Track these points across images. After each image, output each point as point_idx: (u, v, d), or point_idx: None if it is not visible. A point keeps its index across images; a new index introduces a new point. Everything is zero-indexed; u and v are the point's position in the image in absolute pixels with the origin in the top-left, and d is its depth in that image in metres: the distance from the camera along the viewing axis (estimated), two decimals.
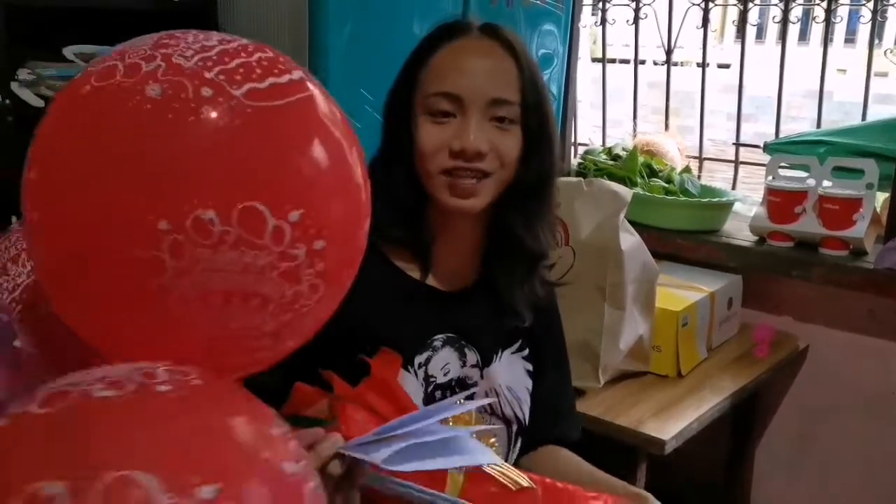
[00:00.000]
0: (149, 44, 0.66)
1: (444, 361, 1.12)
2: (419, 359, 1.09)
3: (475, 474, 0.96)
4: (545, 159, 1.08)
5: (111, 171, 0.62)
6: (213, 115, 0.62)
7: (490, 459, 0.91)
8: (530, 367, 1.20)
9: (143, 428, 0.56)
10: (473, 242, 1.14)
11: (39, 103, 1.46)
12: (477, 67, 1.03)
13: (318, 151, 0.68)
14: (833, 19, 2.28)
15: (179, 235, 0.61)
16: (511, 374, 1.18)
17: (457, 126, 1.02)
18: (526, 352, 1.20)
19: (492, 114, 1.03)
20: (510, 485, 0.97)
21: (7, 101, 1.41)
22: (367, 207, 0.76)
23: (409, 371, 1.08)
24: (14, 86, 1.44)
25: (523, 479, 0.98)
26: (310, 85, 0.70)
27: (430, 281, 1.12)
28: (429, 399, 1.10)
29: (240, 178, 0.63)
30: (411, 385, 1.08)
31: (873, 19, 2.20)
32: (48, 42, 1.55)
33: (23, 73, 1.48)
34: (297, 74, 0.69)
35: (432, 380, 1.10)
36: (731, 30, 5.30)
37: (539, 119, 1.06)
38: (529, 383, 1.20)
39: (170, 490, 0.52)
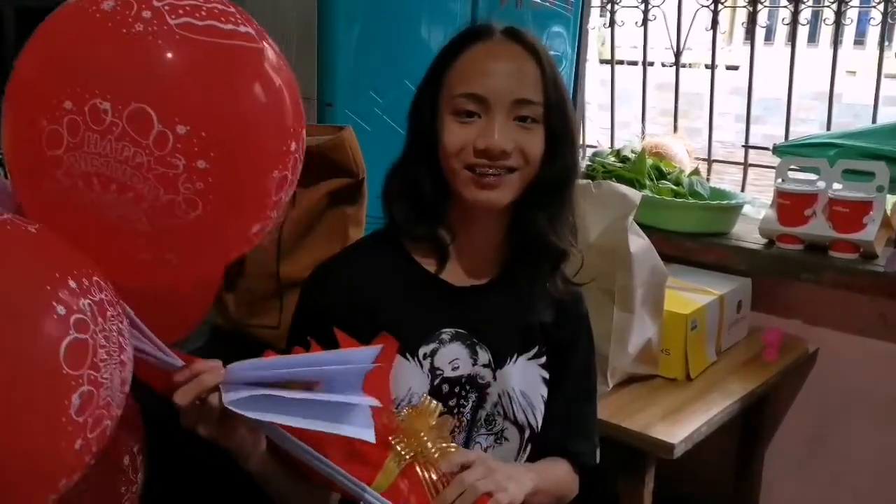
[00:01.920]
0: None
1: (454, 356, 1.12)
2: (424, 349, 1.11)
3: (409, 469, 0.98)
4: (567, 159, 1.11)
5: (49, 55, 0.76)
6: (141, 31, 0.73)
7: (360, 436, 0.90)
8: (546, 375, 1.19)
9: None
10: (494, 240, 1.15)
11: None
12: (501, 69, 1.06)
13: (232, 86, 0.76)
14: (843, 21, 2.27)
15: (77, 116, 0.72)
16: (526, 379, 1.17)
17: (482, 126, 1.05)
18: (543, 359, 1.19)
19: (515, 113, 1.06)
20: (429, 492, 0.99)
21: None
22: (284, 166, 0.82)
23: (409, 359, 1.09)
24: None
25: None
26: (256, 40, 0.79)
27: (445, 275, 1.14)
28: (435, 391, 1.11)
29: (140, 82, 0.72)
30: (413, 374, 1.09)
31: (883, 21, 2.19)
32: None
33: None
34: (244, 29, 0.78)
35: (439, 372, 1.11)
36: (739, 32, 5.27)
37: (561, 119, 1.09)
38: (545, 391, 1.19)
39: None
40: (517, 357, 1.17)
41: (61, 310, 0.69)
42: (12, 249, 0.72)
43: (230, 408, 0.84)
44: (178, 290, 0.94)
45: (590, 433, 1.27)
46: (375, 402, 0.92)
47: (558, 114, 1.08)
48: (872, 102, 2.22)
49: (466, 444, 1.14)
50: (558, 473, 1.20)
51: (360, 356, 0.93)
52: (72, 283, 0.71)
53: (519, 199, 1.10)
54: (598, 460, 1.26)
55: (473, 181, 1.06)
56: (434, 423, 1.05)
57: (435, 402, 1.07)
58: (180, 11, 0.74)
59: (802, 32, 2.34)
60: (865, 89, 2.43)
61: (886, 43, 2.33)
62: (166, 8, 0.74)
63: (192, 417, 0.88)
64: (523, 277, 1.16)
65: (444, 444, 1.03)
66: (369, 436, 0.90)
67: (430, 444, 1.01)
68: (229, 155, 0.76)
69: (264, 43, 0.80)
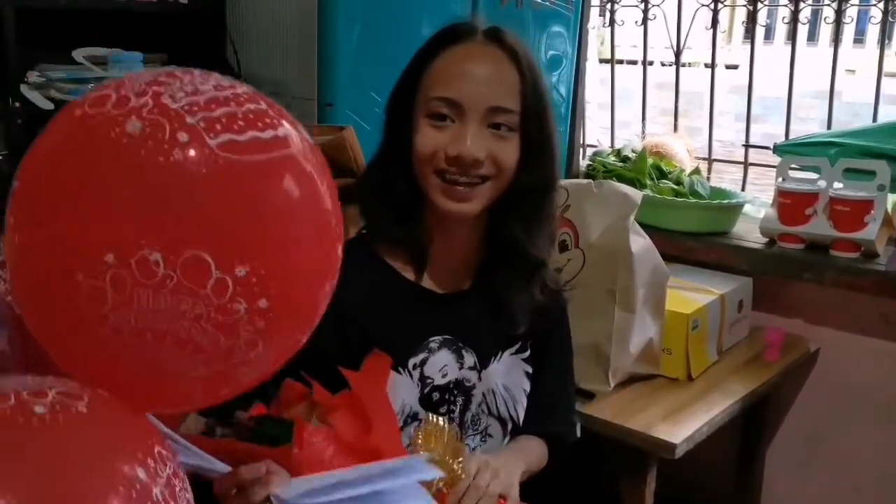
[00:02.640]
0: (146, 79, 0.68)
1: (442, 363, 1.12)
2: (414, 360, 1.10)
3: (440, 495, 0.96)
4: (545, 167, 1.09)
5: (76, 197, 0.64)
6: (181, 160, 0.63)
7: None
8: (529, 370, 1.20)
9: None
10: (470, 245, 1.14)
11: (49, 105, 1.46)
12: (478, 74, 1.04)
13: (281, 211, 0.68)
14: (843, 19, 2.26)
15: (123, 271, 0.62)
16: (509, 374, 1.18)
17: (455, 131, 1.03)
18: (527, 353, 1.20)
19: (490, 121, 1.03)
20: None
21: (17, 104, 1.40)
22: (333, 273, 0.76)
23: (401, 373, 1.09)
24: (24, 88, 1.44)
25: None
26: (294, 143, 0.70)
27: (426, 282, 1.13)
28: (425, 400, 1.10)
29: (191, 226, 0.63)
30: (405, 387, 1.09)
31: (884, 20, 2.18)
32: (58, 44, 1.55)
33: (32, 76, 1.48)
34: (282, 131, 0.69)
35: (429, 381, 1.11)
36: (739, 30, 5.27)
37: (539, 127, 1.06)
38: (527, 385, 1.21)
39: None
40: (501, 354, 1.17)
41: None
42: (68, 444, 0.62)
43: None
44: None
45: (569, 414, 1.30)
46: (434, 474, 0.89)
47: (536, 122, 1.06)
48: (872, 101, 2.22)
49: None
50: (535, 450, 1.23)
51: (408, 467, 0.89)
52: (140, 473, 0.63)
53: (494, 206, 1.08)
54: (578, 434, 1.29)
55: (443, 190, 1.04)
56: (447, 440, 1.05)
57: (442, 419, 1.07)
58: (218, 127, 0.65)
59: (802, 31, 2.33)
60: (865, 88, 2.42)
61: (886, 41, 2.32)
62: (202, 125, 0.64)
63: None
64: (500, 286, 1.14)
65: (461, 460, 1.03)
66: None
67: (455, 467, 1.01)
68: (288, 286, 0.69)
69: (298, 139, 0.71)
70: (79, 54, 1.47)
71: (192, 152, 0.63)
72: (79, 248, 0.63)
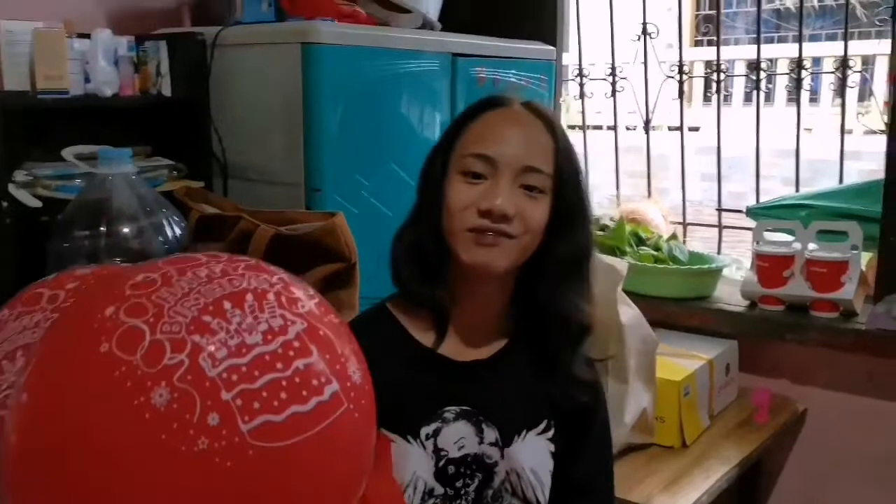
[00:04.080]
0: (193, 310, 0.58)
1: (459, 435, 1.10)
2: (426, 430, 1.08)
3: None
4: (581, 232, 1.10)
5: (79, 460, 0.56)
6: (206, 450, 0.55)
7: None
8: (553, 449, 1.17)
9: None
10: (496, 311, 1.13)
11: (36, 203, 1.46)
12: (514, 134, 1.07)
13: (315, 491, 0.61)
14: (801, 86, 2.35)
15: None
16: (535, 455, 1.15)
17: (487, 187, 1.05)
18: (551, 433, 1.16)
19: (522, 181, 1.05)
20: None
21: (4, 203, 1.40)
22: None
23: (411, 442, 1.07)
24: (11, 187, 1.43)
25: None
26: (346, 396, 0.63)
27: (445, 349, 1.12)
28: (440, 474, 1.09)
29: None
30: (417, 457, 1.07)
31: (842, 85, 2.27)
32: (44, 142, 1.56)
33: (19, 175, 1.48)
34: (330, 388, 0.62)
35: (443, 454, 1.09)
36: (698, 94, 5.46)
37: (573, 192, 1.08)
38: (552, 465, 1.17)
39: None
40: (526, 433, 1.14)
41: None
42: None
43: None
44: None
45: (609, 496, 1.25)
46: None
47: (570, 187, 1.08)
48: (830, 157, 2.29)
49: None
50: None
51: None
52: None
53: (522, 272, 1.09)
54: None
55: (473, 240, 1.05)
56: None
57: None
58: (256, 406, 0.57)
59: (781, 93, 2.41)
60: (823, 145, 2.51)
61: (838, 100, 2.42)
62: (238, 403, 0.57)
63: None
64: (538, 354, 1.13)
65: None
66: None
67: None
68: None
69: (347, 388, 0.64)
70: (68, 153, 1.48)
71: (219, 442, 0.55)
72: None
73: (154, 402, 0.55)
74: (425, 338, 1.12)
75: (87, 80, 1.61)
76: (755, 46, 2.36)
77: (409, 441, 1.07)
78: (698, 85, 5.22)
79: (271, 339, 0.61)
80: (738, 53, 4.77)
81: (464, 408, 1.10)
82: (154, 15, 2.01)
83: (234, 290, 0.62)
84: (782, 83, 2.46)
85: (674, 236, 2.32)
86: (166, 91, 1.72)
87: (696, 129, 5.10)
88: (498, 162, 1.05)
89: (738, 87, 5.21)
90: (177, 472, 0.55)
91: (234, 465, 0.56)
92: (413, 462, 1.08)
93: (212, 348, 0.58)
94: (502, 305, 1.13)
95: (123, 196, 1.40)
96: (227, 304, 0.61)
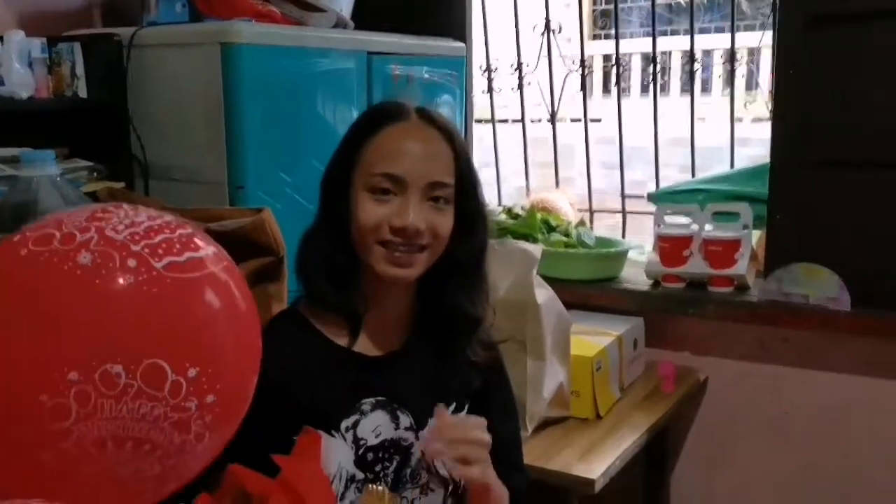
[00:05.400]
0: (84, 216, 0.76)
1: (375, 424, 1.17)
2: (346, 423, 1.15)
3: None
4: (480, 233, 1.19)
5: (35, 327, 0.70)
6: (135, 283, 0.72)
7: None
8: None
9: None
10: (404, 310, 1.22)
11: None
12: (418, 151, 1.13)
13: (219, 318, 0.78)
14: (694, 77, 2.51)
15: (87, 385, 0.69)
16: None
17: (397, 205, 1.11)
18: (463, 412, 1.24)
19: (429, 195, 1.13)
20: None
21: None
22: (257, 366, 0.86)
23: (334, 436, 1.14)
24: None
25: None
26: (220, 257, 0.82)
27: (358, 346, 1.19)
28: (360, 461, 1.15)
29: (149, 338, 0.71)
30: (340, 449, 1.14)
31: (731, 74, 2.44)
32: None
33: None
34: (210, 250, 0.81)
35: (362, 442, 1.16)
36: (598, 87, 5.66)
37: (473, 198, 1.17)
38: None
39: None
40: None
41: None
42: None
43: None
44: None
45: (520, 462, 1.34)
46: None
47: (470, 193, 1.16)
48: (723, 145, 2.46)
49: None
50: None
51: None
52: None
53: (428, 272, 1.16)
54: (528, 484, 1.33)
55: (386, 258, 1.12)
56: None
57: (382, 485, 1.13)
58: (160, 251, 0.74)
59: (676, 83, 2.57)
60: (715, 133, 2.67)
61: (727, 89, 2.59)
62: (146, 251, 0.73)
63: None
64: (439, 344, 1.22)
65: None
66: None
67: None
68: (229, 380, 0.78)
69: (219, 253, 0.83)
70: None
71: (141, 276, 0.72)
72: (41, 371, 0.69)
73: (81, 262, 0.71)
74: (339, 338, 1.18)
75: (0, 82, 1.61)
76: (650, 39, 2.51)
77: (332, 434, 1.13)
78: (598, 77, 5.42)
79: (154, 219, 0.79)
80: (634, 47, 4.99)
81: (378, 398, 1.17)
82: (64, 16, 2.00)
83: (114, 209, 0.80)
84: (676, 74, 2.62)
85: (581, 223, 2.45)
86: (82, 93, 1.73)
87: (598, 120, 5.30)
88: (406, 179, 1.11)
89: (636, 78, 5.44)
90: (119, 304, 0.71)
91: (159, 290, 0.73)
92: (336, 454, 1.13)
93: (112, 224, 0.75)
94: (409, 304, 1.21)
95: (49, 198, 1.40)
96: (111, 207, 0.78)
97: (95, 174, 1.74)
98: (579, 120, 2.73)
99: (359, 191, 1.13)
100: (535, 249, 1.73)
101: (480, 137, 2.91)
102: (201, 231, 0.83)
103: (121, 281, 0.71)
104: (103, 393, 0.69)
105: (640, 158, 2.86)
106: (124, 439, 0.71)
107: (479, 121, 2.91)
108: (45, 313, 0.71)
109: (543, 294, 1.72)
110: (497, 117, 3.00)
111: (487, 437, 1.11)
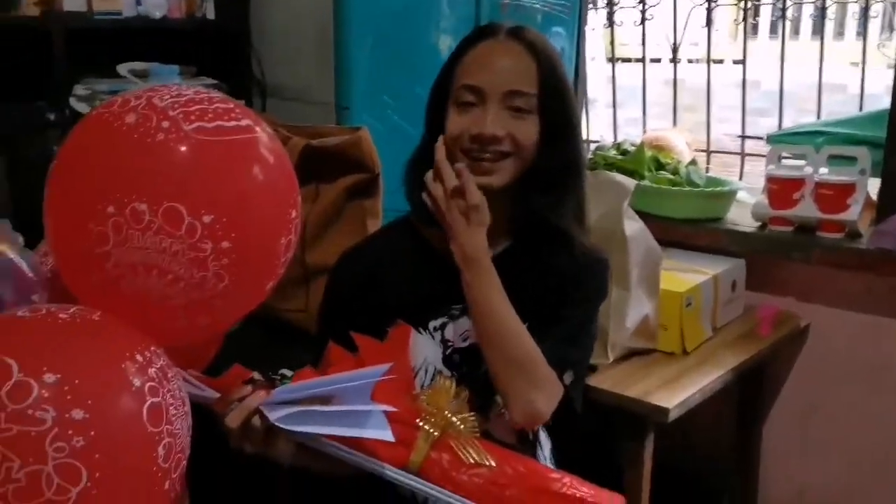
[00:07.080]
0: (146, 89, 0.92)
1: (463, 328, 1.24)
2: (434, 323, 1.24)
3: (440, 443, 1.09)
4: (568, 145, 1.22)
5: (90, 168, 0.87)
6: (163, 139, 0.85)
7: (380, 437, 1.01)
8: None
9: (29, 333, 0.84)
10: (500, 220, 1.23)
11: None
12: (498, 64, 1.19)
13: (239, 177, 0.90)
14: (832, 16, 2.39)
15: (120, 218, 0.84)
16: None
17: (477, 114, 1.18)
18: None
19: (508, 103, 1.18)
20: (465, 457, 1.09)
21: (67, 113, 1.57)
22: (286, 228, 0.96)
23: (421, 333, 1.23)
24: (72, 100, 1.60)
25: (482, 456, 1.10)
26: (255, 129, 0.92)
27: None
28: (447, 360, 1.24)
29: (169, 185, 0.85)
30: (427, 345, 1.23)
31: (864, 15, 2.30)
32: (102, 60, 1.72)
33: (79, 89, 1.64)
34: (244, 122, 0.91)
35: (450, 344, 1.24)
36: (730, 26, 5.38)
37: (559, 109, 1.20)
38: None
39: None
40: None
41: (137, 381, 0.83)
42: (88, 337, 0.85)
43: (277, 424, 0.96)
44: (206, 341, 1.09)
45: (560, 351, 1.26)
46: (390, 408, 1.03)
47: (555, 104, 1.19)
48: (878, 92, 2.34)
49: (483, 407, 1.23)
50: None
51: (370, 374, 1.02)
52: (139, 358, 0.85)
53: (520, 183, 1.21)
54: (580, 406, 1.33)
55: (470, 166, 1.17)
56: (452, 397, 1.17)
57: (449, 379, 1.19)
58: (192, 118, 0.87)
59: (807, 25, 2.45)
60: (871, 79, 2.53)
61: (888, 34, 2.45)
62: (180, 116, 0.87)
63: (239, 438, 1.00)
64: (527, 255, 1.26)
65: (464, 415, 1.15)
66: (388, 436, 1.01)
67: (454, 419, 1.13)
68: (246, 232, 0.89)
69: (259, 129, 0.93)
70: (122, 69, 1.63)
71: (171, 134, 0.86)
72: (88, 204, 0.85)
73: (127, 121, 0.87)
74: (441, 245, 1.24)
75: (138, 2, 1.76)
76: None
77: (420, 332, 1.23)
78: (728, 17, 5.15)
79: (198, 94, 0.91)
80: None
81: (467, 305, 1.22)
82: None
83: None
84: (807, 19, 2.48)
85: (693, 162, 2.40)
86: (210, 14, 1.86)
87: (742, 61, 5.07)
88: (484, 90, 1.17)
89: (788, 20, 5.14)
90: (148, 155, 0.86)
91: (188, 148, 0.86)
92: (423, 349, 1.23)
93: (160, 95, 0.89)
94: (503, 213, 1.24)
95: None
96: (171, 86, 0.93)
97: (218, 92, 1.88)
98: (718, 62, 2.64)
99: (450, 106, 1.20)
100: (628, 182, 1.74)
101: (611, 77, 2.87)
102: (244, 108, 0.94)
103: (153, 137, 0.85)
104: (132, 226, 0.84)
105: (786, 103, 2.72)
106: (150, 266, 0.85)
107: (619, 59, 2.86)
108: (95, 158, 0.88)
109: (633, 226, 1.73)
110: (632, 56, 2.95)
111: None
